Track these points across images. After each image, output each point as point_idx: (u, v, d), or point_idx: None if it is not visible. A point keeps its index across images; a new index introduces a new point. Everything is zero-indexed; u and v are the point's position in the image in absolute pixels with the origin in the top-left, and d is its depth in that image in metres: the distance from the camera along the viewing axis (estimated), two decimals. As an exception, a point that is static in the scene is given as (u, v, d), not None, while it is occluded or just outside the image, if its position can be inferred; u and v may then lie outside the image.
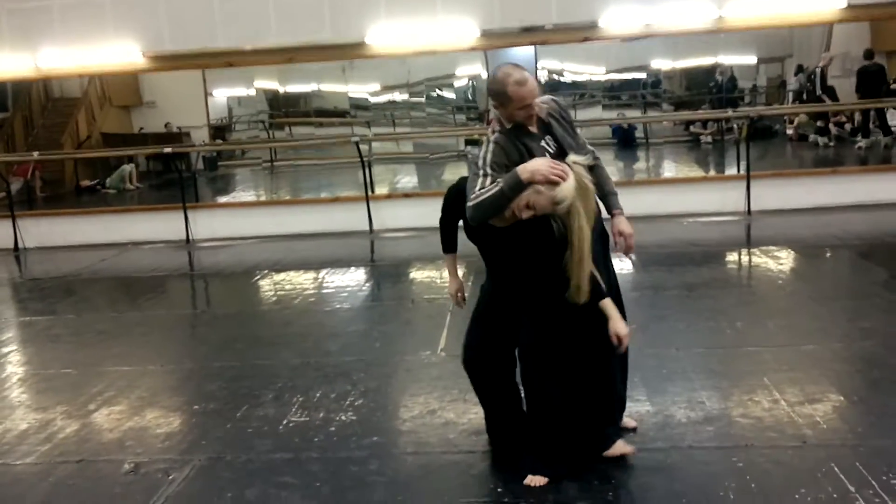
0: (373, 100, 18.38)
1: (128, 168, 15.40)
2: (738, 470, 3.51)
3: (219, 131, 20.64)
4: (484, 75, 17.90)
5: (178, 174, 10.47)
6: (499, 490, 3.47)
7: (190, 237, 9.76)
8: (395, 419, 4.32)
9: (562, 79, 18.19)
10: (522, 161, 3.25)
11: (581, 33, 9.61)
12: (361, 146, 9.81)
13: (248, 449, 4.05)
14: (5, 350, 6.12)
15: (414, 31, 9.45)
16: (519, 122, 3.38)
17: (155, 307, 7.39)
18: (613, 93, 18.69)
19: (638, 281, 6.97)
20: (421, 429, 4.11)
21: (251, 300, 7.50)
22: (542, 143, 3.40)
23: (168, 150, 9.95)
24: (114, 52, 9.47)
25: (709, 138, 16.48)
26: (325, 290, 7.47)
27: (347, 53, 9.81)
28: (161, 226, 9.71)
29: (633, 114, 17.90)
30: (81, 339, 6.32)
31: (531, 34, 9.59)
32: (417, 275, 8.06)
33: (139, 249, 9.62)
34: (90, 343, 6.20)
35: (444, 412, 4.30)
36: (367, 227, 9.65)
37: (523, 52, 16.85)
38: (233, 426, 4.36)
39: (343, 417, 4.33)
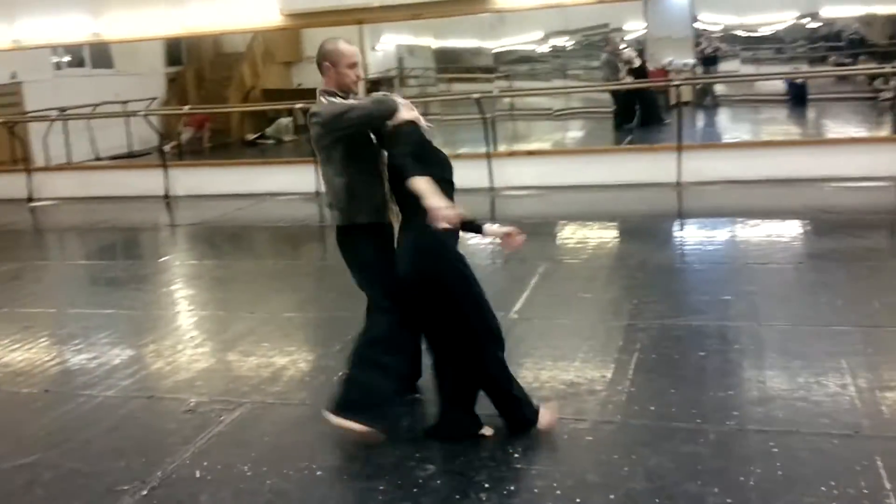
0: (534, 51, 18.16)
1: (284, 121, 16.08)
2: (770, 455, 3.32)
3: (375, 85, 21.18)
4: (643, 25, 17.31)
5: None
6: (516, 454, 3.47)
7: (320, 189, 10.12)
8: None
9: (724, 32, 17.26)
10: None
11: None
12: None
13: (299, 396, 4.25)
14: (122, 291, 6.64)
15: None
16: (343, 91, 3.70)
17: (268, 256, 7.78)
18: (783, 45, 17.58)
19: (747, 251, 6.63)
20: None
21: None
22: None
23: (298, 105, 10.31)
24: (253, 10, 9.88)
25: (888, 94, 15.19)
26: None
27: (472, 8, 9.76)
28: (295, 178, 10.10)
29: (806, 68, 16.79)
30: (193, 284, 6.77)
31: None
32: (522, 233, 7.99)
33: (274, 200, 10.08)
34: (200, 287, 6.63)
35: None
36: (489, 185, 9.65)
37: (679, 3, 16.17)
38: (294, 373, 4.56)
39: (395, 373, 4.42)
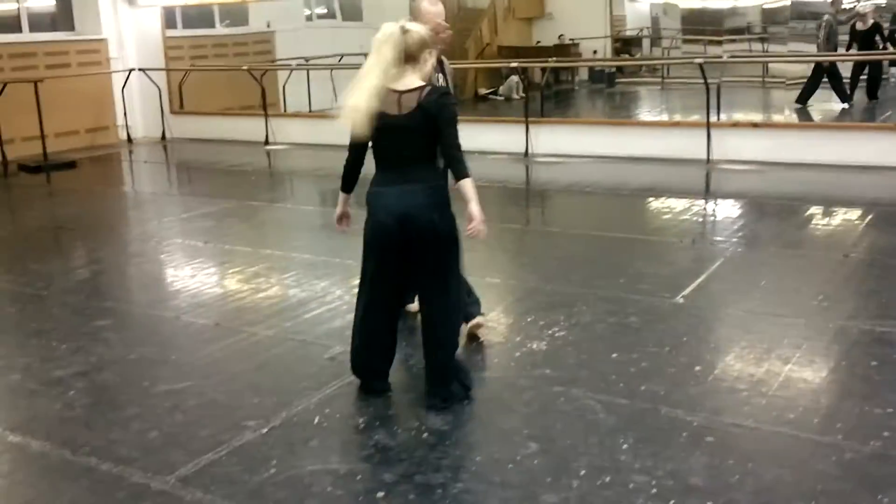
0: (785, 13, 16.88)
1: (514, 79, 16.12)
2: (907, 488, 2.94)
3: (626, 44, 20.64)
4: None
5: (531, 87, 10.72)
6: (625, 444, 3.31)
7: (529, 151, 10.07)
8: (575, 358, 4.22)
9: None
10: None
11: None
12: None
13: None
14: (315, 235, 7.01)
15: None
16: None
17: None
18: None
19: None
20: (593, 367, 4.01)
21: (552, 219, 7.67)
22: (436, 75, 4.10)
23: (513, 64, 10.29)
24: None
25: None
26: (620, 217, 7.37)
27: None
28: (504, 138, 10.11)
29: None
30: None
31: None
32: (728, 212, 7.55)
33: (484, 159, 10.13)
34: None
35: (627, 360, 4.13)
36: (706, 157, 9.14)
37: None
38: (439, 334, 4.61)
39: (534, 346, 4.36)
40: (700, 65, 9.21)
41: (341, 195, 3.82)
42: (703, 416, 3.53)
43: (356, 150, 3.66)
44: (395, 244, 3.52)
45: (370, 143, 3.57)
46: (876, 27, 11.94)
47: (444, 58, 4.31)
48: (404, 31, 3.45)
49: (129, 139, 12.82)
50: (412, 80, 3.48)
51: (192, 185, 10.31)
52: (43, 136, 10.73)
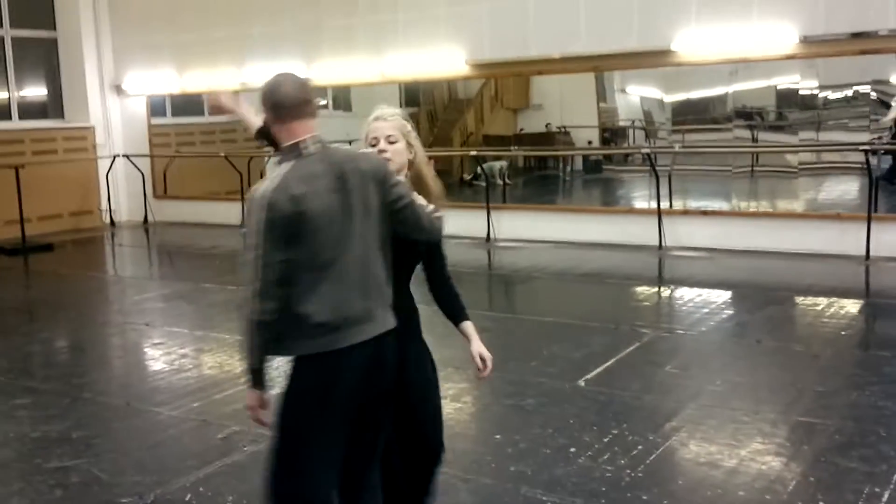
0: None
1: (497, 165, 16.48)
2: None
3: (614, 134, 21.10)
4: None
5: (487, 178, 11.01)
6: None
7: (491, 236, 10.31)
8: (462, 439, 4.33)
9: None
10: None
11: (927, 40, 8.20)
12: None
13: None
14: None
15: (725, 37, 8.88)
16: None
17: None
18: None
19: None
20: (471, 448, 4.11)
21: (492, 303, 7.83)
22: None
23: (473, 153, 10.66)
24: (442, 60, 10.33)
25: None
26: (556, 301, 7.52)
27: (653, 61, 9.51)
28: (467, 223, 10.31)
29: None
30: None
31: (862, 41, 8.40)
32: (660, 297, 7.69)
33: (447, 243, 10.33)
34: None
35: (507, 441, 4.23)
36: (658, 243, 9.32)
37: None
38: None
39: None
40: (647, 154, 9.49)
41: None
42: (559, 497, 3.62)
43: None
44: None
45: None
46: None
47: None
48: None
49: (112, 223, 13.19)
50: None
51: (157, 268, 10.60)
52: (22, 219, 11.08)
